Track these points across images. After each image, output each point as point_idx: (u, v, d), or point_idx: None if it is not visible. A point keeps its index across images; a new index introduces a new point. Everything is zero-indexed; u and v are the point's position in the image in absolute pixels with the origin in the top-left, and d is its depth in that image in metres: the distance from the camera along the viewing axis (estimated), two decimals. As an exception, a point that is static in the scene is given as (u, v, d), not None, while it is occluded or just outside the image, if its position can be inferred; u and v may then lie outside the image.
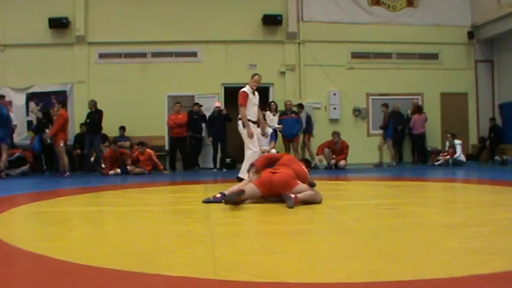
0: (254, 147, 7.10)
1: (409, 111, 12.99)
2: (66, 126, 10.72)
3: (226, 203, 4.64)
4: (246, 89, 7.17)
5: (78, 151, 11.86)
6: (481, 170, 11.04)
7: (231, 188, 5.17)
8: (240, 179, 6.45)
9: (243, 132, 7.12)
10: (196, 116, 12.02)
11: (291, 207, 4.44)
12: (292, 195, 4.57)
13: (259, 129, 7.66)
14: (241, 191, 4.70)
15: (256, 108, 7.26)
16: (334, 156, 11.50)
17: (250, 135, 7.08)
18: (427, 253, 2.74)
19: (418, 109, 12.81)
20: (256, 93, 7.28)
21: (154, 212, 4.81)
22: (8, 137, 10.10)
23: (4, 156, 9.81)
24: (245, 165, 6.84)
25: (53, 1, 12.67)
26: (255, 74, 7.32)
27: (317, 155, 11.67)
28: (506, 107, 13.31)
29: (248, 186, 4.89)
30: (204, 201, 4.94)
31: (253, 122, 7.19)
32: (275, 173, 4.92)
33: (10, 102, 11.99)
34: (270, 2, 13.25)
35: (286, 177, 4.83)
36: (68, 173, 10.24)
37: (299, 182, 4.89)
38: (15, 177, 10.13)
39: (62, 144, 10.28)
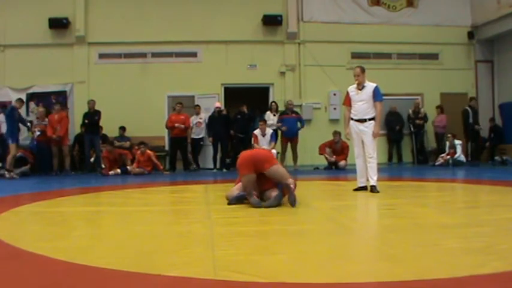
0: (374, 153, 6.08)
1: (422, 110, 12.95)
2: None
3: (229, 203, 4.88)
4: (349, 87, 6.47)
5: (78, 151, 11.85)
6: (481, 170, 11.03)
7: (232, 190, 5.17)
8: (375, 189, 5.92)
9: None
10: (240, 116, 12.03)
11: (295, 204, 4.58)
12: (292, 186, 4.69)
13: (362, 127, 6.23)
14: (242, 195, 4.87)
15: (358, 105, 6.30)
16: (334, 156, 11.52)
17: (345, 135, 6.60)
18: (427, 253, 2.74)
19: (442, 109, 13.02)
20: (365, 89, 6.31)
21: (154, 212, 4.81)
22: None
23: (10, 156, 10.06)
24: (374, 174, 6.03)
25: (53, 1, 12.64)
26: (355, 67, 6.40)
27: (320, 154, 11.68)
28: (506, 107, 13.29)
29: (244, 178, 4.88)
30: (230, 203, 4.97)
31: (356, 121, 6.27)
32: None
33: (10, 102, 11.95)
34: (270, 2, 13.23)
35: (265, 151, 5.54)
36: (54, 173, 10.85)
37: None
38: (15, 177, 10.11)
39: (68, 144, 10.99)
